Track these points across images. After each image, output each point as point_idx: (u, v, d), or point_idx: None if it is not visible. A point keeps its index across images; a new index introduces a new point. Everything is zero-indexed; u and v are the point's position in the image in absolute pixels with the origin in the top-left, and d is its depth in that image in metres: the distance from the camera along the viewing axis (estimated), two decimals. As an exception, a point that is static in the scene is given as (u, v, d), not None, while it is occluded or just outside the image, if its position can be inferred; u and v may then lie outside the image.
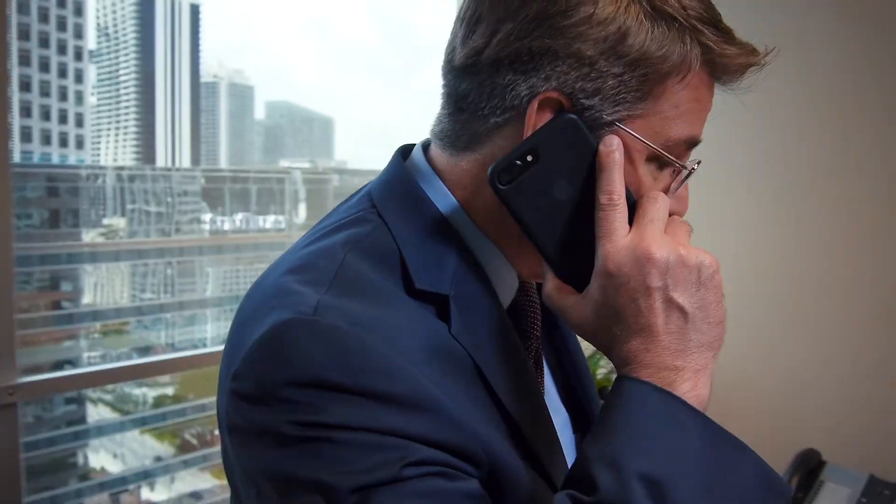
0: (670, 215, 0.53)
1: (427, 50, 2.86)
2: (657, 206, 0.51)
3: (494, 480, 0.52)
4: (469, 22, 0.53)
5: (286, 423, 0.46)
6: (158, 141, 3.49)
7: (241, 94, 3.85)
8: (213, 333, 2.93)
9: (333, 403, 0.46)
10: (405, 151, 0.61)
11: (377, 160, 3.02)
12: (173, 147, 3.55)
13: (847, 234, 1.80)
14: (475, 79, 0.53)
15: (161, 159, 3.48)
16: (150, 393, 3.12)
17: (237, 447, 0.50)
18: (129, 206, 2.78)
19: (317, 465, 0.46)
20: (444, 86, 0.56)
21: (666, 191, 0.55)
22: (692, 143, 0.55)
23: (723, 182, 1.78)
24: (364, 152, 2.98)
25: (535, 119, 0.51)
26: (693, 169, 0.55)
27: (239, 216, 3.18)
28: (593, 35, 0.50)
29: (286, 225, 3.47)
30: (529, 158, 0.51)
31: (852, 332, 1.88)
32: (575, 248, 0.52)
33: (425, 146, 0.60)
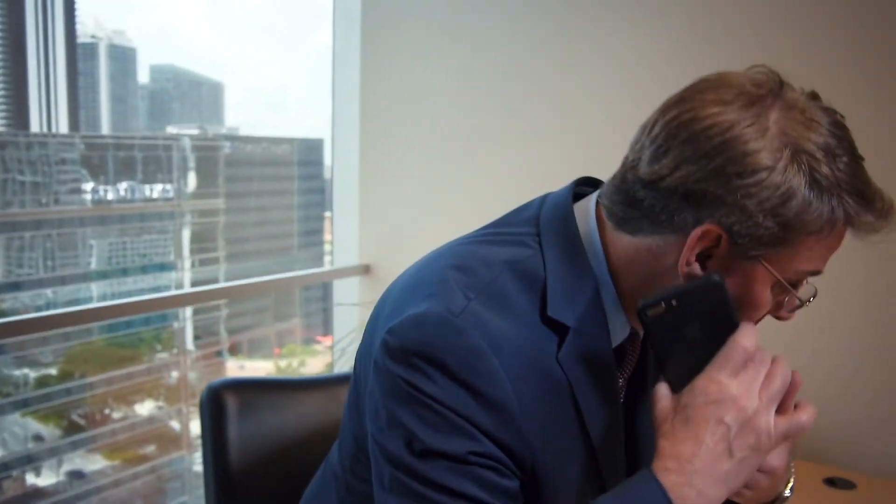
0: (781, 317, 0.72)
1: (317, 14, 2.78)
2: (751, 343, 0.67)
3: (541, 484, 0.70)
4: (658, 147, 0.67)
5: (406, 382, 0.65)
6: (32, 105, 3.26)
7: (123, 57, 3.64)
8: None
9: (443, 382, 0.65)
10: (581, 184, 0.78)
11: (270, 126, 2.95)
12: (48, 112, 3.32)
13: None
14: (652, 193, 0.67)
15: (35, 125, 3.26)
16: (32, 373, 2.97)
17: (374, 378, 0.69)
18: (0, 176, 2.60)
19: (413, 417, 0.65)
20: (623, 175, 0.69)
21: (780, 305, 0.71)
22: (814, 274, 0.69)
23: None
24: (257, 118, 2.89)
25: (695, 243, 0.65)
26: (808, 302, 0.72)
27: (123, 185, 3.04)
28: (760, 196, 0.63)
29: (174, 194, 3.34)
30: (674, 303, 0.67)
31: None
32: (688, 373, 0.67)
33: (599, 199, 0.73)
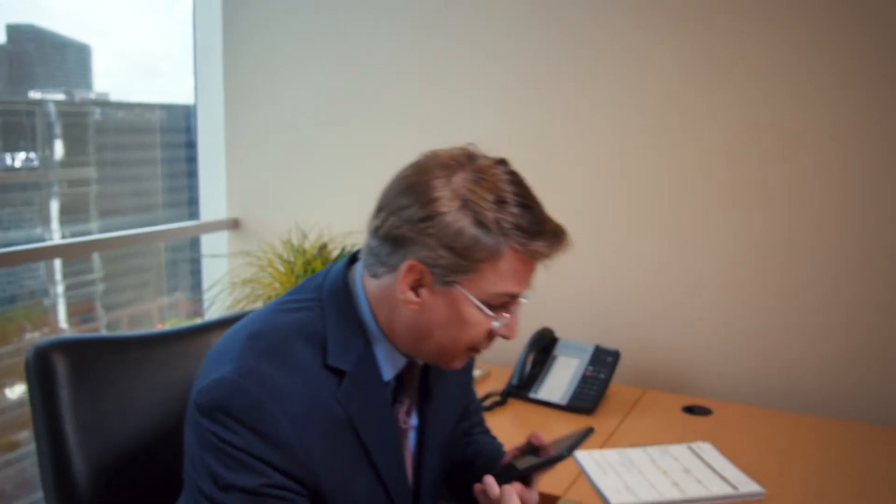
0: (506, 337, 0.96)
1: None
2: None
3: (338, 497, 0.91)
4: (379, 204, 0.92)
5: (210, 432, 0.85)
6: None
7: (-24, 15, 3.33)
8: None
9: (237, 430, 0.84)
10: (353, 258, 1.00)
11: (143, 92, 2.79)
12: None
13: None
14: (376, 241, 0.92)
15: None
16: None
17: (188, 429, 0.90)
18: None
19: (216, 460, 0.85)
20: (368, 235, 0.94)
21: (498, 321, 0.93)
22: (513, 296, 0.92)
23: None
24: (128, 83, 2.73)
25: (404, 275, 0.89)
26: (507, 316, 0.94)
27: (-20, 154, 2.82)
28: (438, 234, 0.86)
29: (40, 163, 3.13)
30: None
31: (583, 231, 2.11)
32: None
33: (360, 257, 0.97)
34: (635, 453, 1.51)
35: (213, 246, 2.73)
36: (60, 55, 3.80)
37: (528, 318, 2.10)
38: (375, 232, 0.91)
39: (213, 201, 2.73)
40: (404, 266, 0.88)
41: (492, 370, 2.06)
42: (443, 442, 1.07)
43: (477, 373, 2.00)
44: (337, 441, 0.89)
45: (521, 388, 1.84)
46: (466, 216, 0.86)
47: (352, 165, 2.45)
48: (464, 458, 1.19)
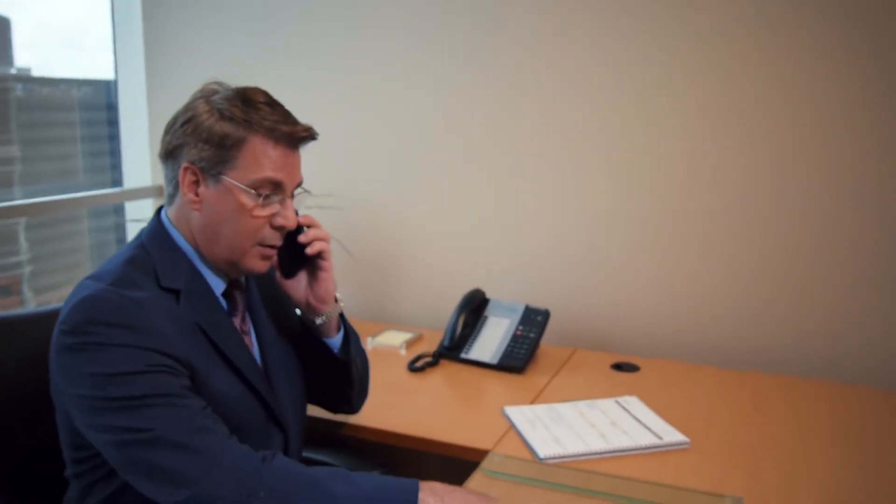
0: (282, 229, 1.11)
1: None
2: None
3: (205, 389, 1.02)
4: (161, 138, 1.11)
5: (84, 343, 0.95)
6: None
7: None
8: None
9: (110, 331, 0.95)
10: (160, 209, 1.14)
11: (68, 66, 2.63)
12: None
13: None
14: (164, 166, 1.10)
15: None
16: None
17: (59, 363, 0.98)
18: None
19: (96, 363, 0.94)
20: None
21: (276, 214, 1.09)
22: (274, 182, 1.06)
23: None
24: (52, 58, 2.57)
25: (184, 179, 1.06)
26: (287, 198, 1.10)
27: None
28: (196, 132, 1.05)
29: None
30: None
31: (514, 193, 2.10)
32: None
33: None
34: (564, 408, 1.52)
35: (139, 216, 2.65)
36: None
37: (460, 279, 2.10)
38: (161, 157, 1.09)
39: (137, 170, 2.64)
40: (181, 171, 1.05)
41: (424, 333, 2.04)
42: (278, 339, 1.22)
43: (409, 336, 1.98)
44: (191, 342, 1.02)
45: (453, 348, 1.82)
46: (215, 114, 1.04)
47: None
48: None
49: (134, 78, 2.58)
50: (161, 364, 0.96)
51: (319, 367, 1.26)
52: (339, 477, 0.96)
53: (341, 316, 1.26)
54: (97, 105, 2.68)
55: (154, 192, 2.61)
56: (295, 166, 1.09)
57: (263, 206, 1.06)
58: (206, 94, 1.07)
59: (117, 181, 2.68)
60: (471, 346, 1.84)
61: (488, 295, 1.96)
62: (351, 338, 1.27)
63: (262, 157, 1.04)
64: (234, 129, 1.03)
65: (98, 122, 2.68)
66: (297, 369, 1.25)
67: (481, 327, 1.88)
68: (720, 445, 1.39)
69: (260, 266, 1.11)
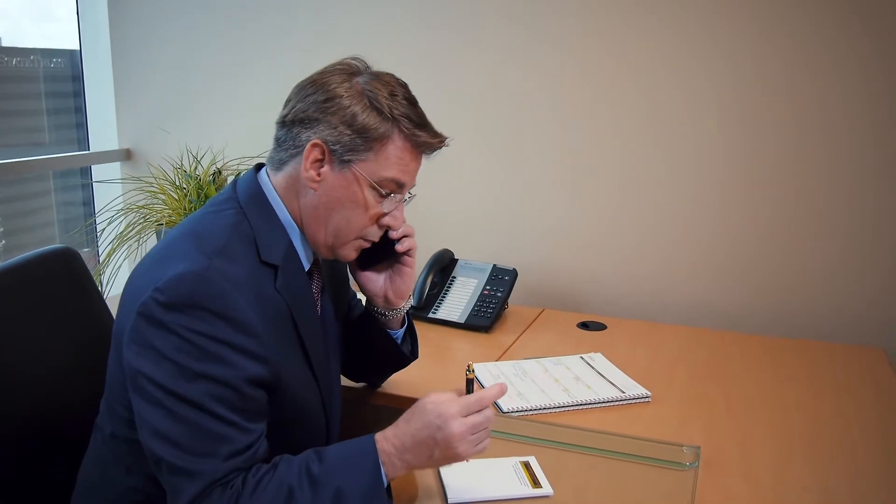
0: (388, 230, 1.11)
1: None
2: None
3: (281, 391, 0.98)
4: (287, 101, 1.04)
5: (175, 328, 0.88)
6: None
7: None
8: None
9: (207, 319, 0.89)
10: (258, 167, 1.09)
11: (41, 37, 2.55)
12: None
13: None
14: (282, 130, 1.04)
15: None
16: None
17: (144, 329, 0.90)
18: None
19: (182, 355, 0.89)
20: (276, 129, 1.06)
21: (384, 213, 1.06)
22: (398, 183, 1.04)
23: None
24: (22, 28, 2.49)
25: (309, 153, 1.01)
26: (403, 200, 1.08)
27: None
28: (339, 113, 0.99)
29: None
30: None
31: (482, 154, 2.10)
32: None
33: (266, 167, 1.08)
34: (529, 364, 1.54)
35: (105, 171, 2.60)
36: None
37: (428, 239, 2.10)
38: (283, 121, 1.04)
39: (104, 134, 2.60)
40: (309, 145, 1.00)
41: (393, 294, 2.04)
42: (334, 323, 1.20)
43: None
44: (279, 330, 0.98)
45: (421, 308, 1.83)
46: (363, 101, 1.00)
47: (242, 93, 2.38)
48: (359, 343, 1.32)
49: (100, 46, 2.52)
50: (251, 381, 0.92)
51: (373, 353, 1.28)
52: (312, 460, 0.93)
53: (407, 312, 1.28)
54: (67, 76, 2.61)
55: (120, 155, 2.57)
56: (417, 171, 1.07)
57: (382, 205, 1.04)
58: (348, 72, 1.02)
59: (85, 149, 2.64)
60: (439, 305, 1.85)
61: (457, 255, 1.97)
62: (415, 332, 1.33)
63: (398, 157, 1.01)
64: (381, 122, 0.99)
65: (67, 94, 2.62)
66: (340, 351, 1.24)
67: (449, 287, 1.89)
68: (680, 399, 1.42)
69: (352, 256, 1.09)
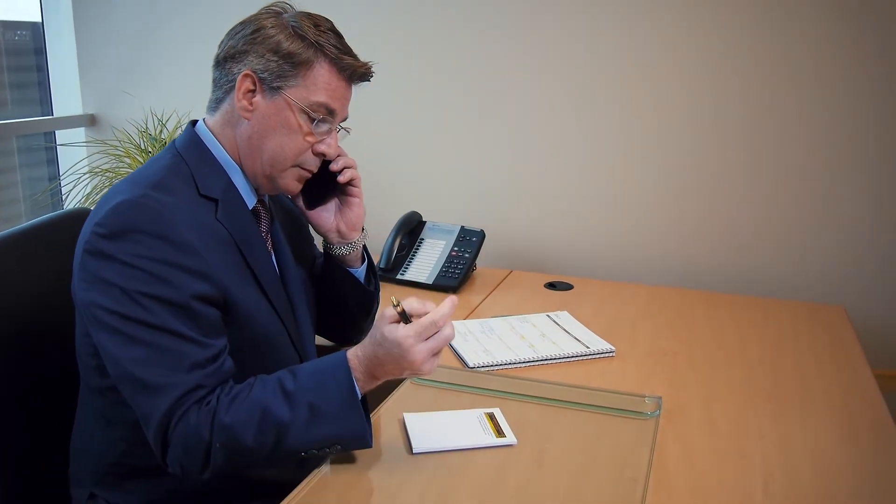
0: (322, 156, 1.11)
1: None
2: None
3: (233, 311, 1.01)
4: (221, 43, 1.08)
5: (117, 256, 0.91)
6: None
7: None
8: None
9: (146, 242, 0.92)
10: (193, 122, 1.11)
11: (6, 10, 2.46)
12: None
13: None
14: (217, 70, 1.08)
15: None
16: None
17: (90, 264, 0.94)
18: None
19: (129, 281, 0.92)
20: (212, 72, 1.09)
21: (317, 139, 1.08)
22: (329, 109, 1.05)
23: None
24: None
25: (240, 85, 1.04)
26: (336, 129, 1.10)
27: None
28: (265, 42, 1.03)
29: None
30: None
31: (449, 116, 2.08)
32: None
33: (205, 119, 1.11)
34: (496, 322, 1.55)
35: (70, 136, 2.55)
36: None
37: (396, 202, 2.09)
38: (217, 61, 1.08)
39: (67, 102, 2.53)
40: (240, 76, 1.03)
41: (362, 257, 2.04)
42: (296, 268, 1.21)
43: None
44: (225, 256, 1.00)
45: (389, 270, 1.83)
46: (287, 30, 1.04)
47: (207, 56, 2.30)
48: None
49: (61, 12, 2.45)
50: (198, 297, 0.94)
51: (340, 298, 1.27)
52: (286, 377, 0.96)
53: (364, 248, 1.27)
54: (30, 49, 2.53)
55: (85, 120, 2.51)
56: (348, 100, 1.09)
57: (314, 129, 1.06)
58: (275, 11, 1.06)
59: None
60: (407, 267, 1.85)
61: (425, 218, 1.96)
62: (374, 268, 1.30)
63: (325, 82, 1.04)
64: (305, 48, 1.02)
65: (31, 67, 2.54)
66: (311, 301, 1.24)
67: (417, 249, 1.89)
68: (644, 354, 1.44)
69: (294, 187, 1.10)
